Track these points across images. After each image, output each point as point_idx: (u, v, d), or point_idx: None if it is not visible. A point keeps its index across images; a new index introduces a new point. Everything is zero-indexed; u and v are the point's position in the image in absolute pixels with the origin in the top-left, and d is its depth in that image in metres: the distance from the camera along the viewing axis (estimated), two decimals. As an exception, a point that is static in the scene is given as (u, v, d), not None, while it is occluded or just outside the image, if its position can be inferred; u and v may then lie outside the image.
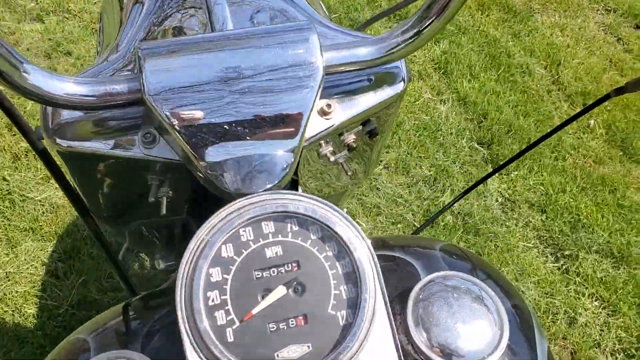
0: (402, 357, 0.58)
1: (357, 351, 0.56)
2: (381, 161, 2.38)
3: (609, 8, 3.53)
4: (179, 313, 0.56)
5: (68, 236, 1.98)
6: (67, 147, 0.69)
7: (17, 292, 1.84)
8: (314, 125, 0.73)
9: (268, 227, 0.59)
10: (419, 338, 0.61)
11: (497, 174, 2.42)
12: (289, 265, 0.58)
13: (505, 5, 3.36)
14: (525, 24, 3.26)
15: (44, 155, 0.74)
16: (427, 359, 0.60)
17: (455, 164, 2.43)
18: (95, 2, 2.88)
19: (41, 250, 1.94)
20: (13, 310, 1.80)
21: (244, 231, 0.59)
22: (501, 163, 2.38)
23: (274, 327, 0.56)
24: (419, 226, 1.27)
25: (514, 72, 2.91)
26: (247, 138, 0.65)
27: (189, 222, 1.12)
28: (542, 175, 2.44)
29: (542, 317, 2.00)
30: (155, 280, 1.81)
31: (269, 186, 0.65)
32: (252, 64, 0.65)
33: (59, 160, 0.72)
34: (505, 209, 2.32)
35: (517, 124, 2.63)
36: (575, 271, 2.14)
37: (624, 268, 2.17)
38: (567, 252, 2.20)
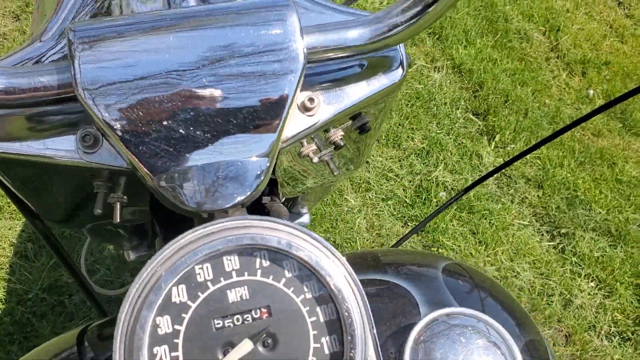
0: None
1: None
2: (371, 133, 2.25)
3: (611, -30, 3.37)
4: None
5: (38, 214, 1.86)
6: None
7: (-17, 274, 1.73)
8: (294, 123, 0.60)
9: (231, 263, 0.48)
10: None
11: (492, 146, 2.31)
12: (257, 311, 0.47)
13: (503, -34, 3.20)
14: (524, -13, 3.10)
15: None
16: None
17: (449, 135, 2.31)
18: None
19: (9, 229, 1.82)
20: (-21, 294, 1.69)
21: (201, 269, 0.47)
22: (497, 136, 2.27)
23: None
24: (401, 237, 1.16)
25: (511, 38, 2.77)
26: (210, 142, 0.52)
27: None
28: (540, 150, 2.33)
29: (536, 298, 1.92)
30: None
31: (239, 199, 0.52)
32: (215, 50, 0.52)
33: None
34: (500, 184, 2.21)
35: (514, 93, 2.50)
36: (571, 250, 2.05)
37: (622, 247, 2.08)
38: (563, 230, 2.11)
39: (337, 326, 0.47)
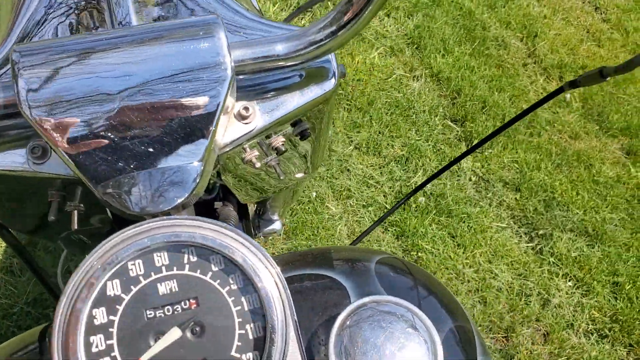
0: None
1: None
2: (352, 141, 2.30)
3: (587, -24, 3.43)
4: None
5: (24, 230, 1.90)
6: None
7: (-30, 290, 1.76)
8: (231, 131, 0.65)
9: (161, 259, 0.52)
10: None
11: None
12: (186, 302, 0.51)
13: (481, -24, 3.26)
14: (502, -5, 3.16)
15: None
16: None
17: (428, 142, 2.36)
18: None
19: (-4, 245, 1.86)
20: (-34, 310, 1.73)
21: (133, 264, 0.51)
22: (474, 144, 2.32)
23: None
24: (358, 235, 1.20)
25: (489, 46, 2.83)
26: (148, 151, 0.57)
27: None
28: (516, 153, 2.38)
29: (515, 299, 1.95)
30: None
31: (179, 201, 0.57)
32: (149, 66, 0.57)
33: None
34: (479, 189, 2.25)
35: (492, 99, 2.55)
36: (549, 251, 2.09)
37: (599, 246, 2.12)
38: (541, 232, 2.15)
39: (261, 314, 0.51)
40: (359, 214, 2.11)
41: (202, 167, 0.58)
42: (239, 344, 0.50)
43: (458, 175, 2.27)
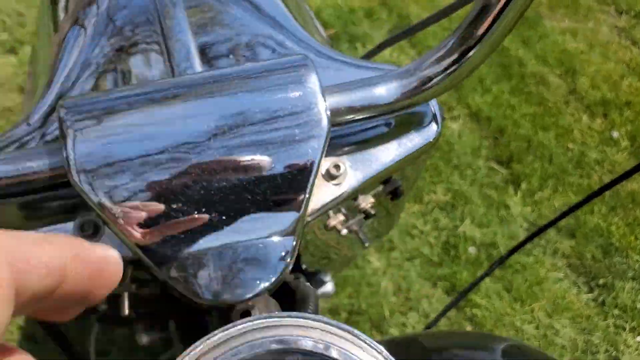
0: None
1: None
2: (391, 188, 2.19)
3: (621, 10, 3.35)
4: None
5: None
6: None
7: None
8: (320, 194, 0.53)
9: None
10: None
11: (518, 195, 2.24)
12: None
13: (512, 11, 3.18)
14: (535, 30, 3.08)
15: None
16: None
17: (472, 186, 2.24)
18: None
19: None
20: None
21: None
22: (521, 186, 2.20)
23: None
24: (438, 314, 1.07)
25: (528, 83, 2.73)
26: (226, 223, 0.46)
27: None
28: (568, 196, 2.26)
29: (581, 357, 1.81)
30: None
31: (262, 286, 0.46)
32: (227, 119, 0.46)
33: None
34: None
35: (536, 139, 2.44)
36: (612, 302, 1.95)
37: (667, 297, 1.98)
38: (601, 281, 2.01)
39: None
40: (404, 267, 1.99)
41: (293, 243, 0.47)
42: None
43: (508, 222, 2.15)
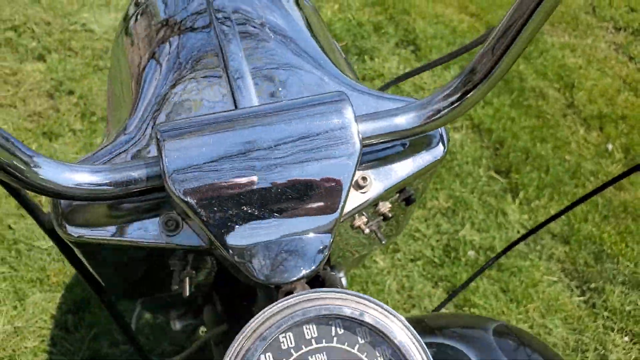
0: None
1: None
2: (396, 194, 2.33)
3: (619, 27, 3.50)
4: None
5: (77, 286, 1.93)
6: (78, 236, 0.64)
7: (26, 347, 1.79)
8: (350, 200, 0.68)
9: (310, 331, 0.54)
10: None
11: (516, 203, 2.37)
12: None
13: (514, 27, 3.33)
14: (536, 46, 3.23)
15: (54, 235, 0.70)
16: None
17: (473, 194, 2.38)
18: (97, 38, 2.85)
19: (49, 302, 1.89)
20: (23, 368, 1.75)
21: (284, 338, 0.54)
22: (519, 195, 2.33)
23: None
24: (442, 302, 1.21)
25: (527, 96, 2.87)
26: (279, 221, 0.60)
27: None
28: (563, 204, 2.39)
29: (571, 355, 1.94)
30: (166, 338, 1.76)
31: (304, 273, 0.60)
32: (283, 142, 0.60)
33: None
34: (527, 241, 2.26)
35: (535, 150, 2.58)
36: (602, 305, 2.09)
37: (654, 300, 2.11)
38: (592, 285, 2.14)
39: None
40: (407, 268, 2.13)
41: (330, 240, 0.61)
42: None
43: (506, 228, 2.28)
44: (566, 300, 2.10)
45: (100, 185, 0.58)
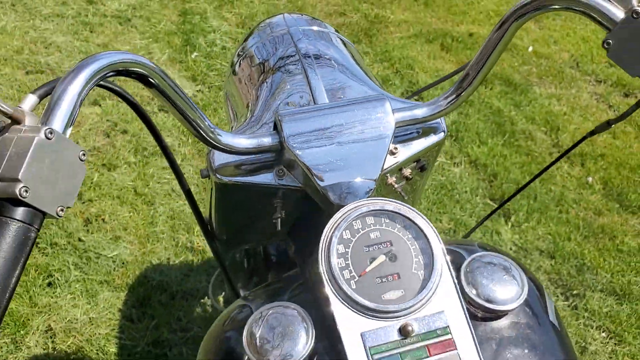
0: (462, 300, 0.92)
1: (432, 295, 0.91)
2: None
3: (600, 79, 3.98)
4: (322, 272, 0.91)
5: (139, 286, 2.33)
6: (224, 180, 1.06)
7: (99, 334, 2.17)
8: (386, 162, 1.09)
9: (370, 220, 0.95)
10: (470, 292, 0.95)
11: (509, 225, 2.78)
12: (385, 244, 0.93)
13: (506, 80, 3.82)
14: (525, 96, 3.70)
15: (189, 194, 1.12)
16: (476, 304, 0.94)
17: (471, 217, 2.79)
18: (142, 88, 3.33)
19: (117, 299, 2.28)
20: (97, 350, 2.13)
21: (356, 223, 0.95)
22: (510, 211, 2.75)
23: (379, 281, 0.91)
24: (470, 229, 1.62)
25: (518, 138, 3.32)
26: (346, 169, 1.02)
27: (280, 253, 1.48)
28: (549, 226, 2.80)
29: (556, 347, 2.31)
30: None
31: (359, 199, 1.01)
32: (351, 123, 1.03)
33: (199, 197, 1.09)
34: (518, 256, 2.66)
35: (524, 182, 3.01)
36: (583, 307, 2.47)
37: (627, 304, 2.49)
38: (575, 292, 2.53)
39: (428, 251, 0.93)
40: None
41: (374, 184, 1.02)
42: (416, 265, 0.93)
43: (500, 245, 2.69)
44: (552, 304, 2.48)
45: (244, 144, 1.01)
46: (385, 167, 1.07)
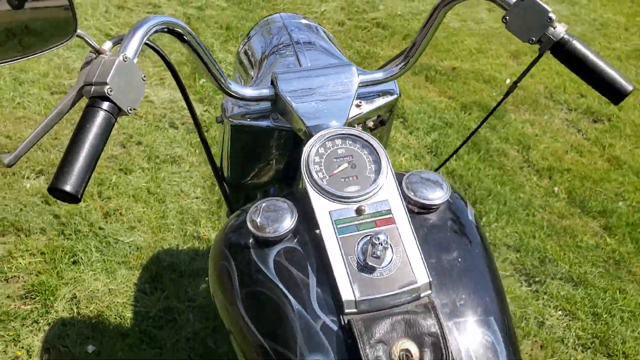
0: (401, 196, 1.31)
1: (379, 190, 1.30)
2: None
3: (571, 108, 4.44)
4: (304, 173, 1.31)
5: (151, 266, 2.71)
6: (234, 122, 1.47)
7: (117, 302, 2.55)
8: (353, 112, 1.50)
9: (338, 141, 1.35)
10: (409, 193, 1.35)
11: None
12: (348, 156, 1.32)
13: (484, 107, 4.27)
14: (501, 120, 4.15)
15: (205, 143, 1.54)
16: (413, 201, 1.33)
17: (446, 218, 3.18)
18: (156, 107, 3.78)
19: (132, 276, 2.67)
20: (116, 315, 2.50)
21: (328, 142, 1.34)
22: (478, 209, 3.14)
23: (343, 180, 1.30)
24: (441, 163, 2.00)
25: (492, 154, 3.75)
26: (323, 113, 1.42)
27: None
28: (516, 226, 3.20)
29: (517, 321, 2.67)
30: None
31: (330, 130, 1.41)
32: (327, 81, 1.44)
33: (214, 146, 1.50)
34: (487, 250, 3.04)
35: (496, 190, 3.42)
36: (543, 291, 2.84)
37: (582, 289, 2.86)
38: (537, 279, 2.90)
39: (378, 160, 1.32)
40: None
41: (343, 123, 1.43)
42: (369, 171, 1.32)
43: (471, 240, 3.07)
44: (516, 289, 2.85)
45: (250, 94, 1.42)
46: (352, 115, 1.47)
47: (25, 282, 2.61)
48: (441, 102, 4.31)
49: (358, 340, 1.04)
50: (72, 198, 0.94)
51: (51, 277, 2.61)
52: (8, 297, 2.54)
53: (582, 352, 2.59)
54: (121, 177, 3.19)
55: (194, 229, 2.94)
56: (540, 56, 1.39)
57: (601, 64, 1.30)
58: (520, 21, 1.33)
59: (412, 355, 1.04)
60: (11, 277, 2.63)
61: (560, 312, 2.76)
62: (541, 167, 3.71)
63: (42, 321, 2.46)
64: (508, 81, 4.65)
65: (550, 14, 1.29)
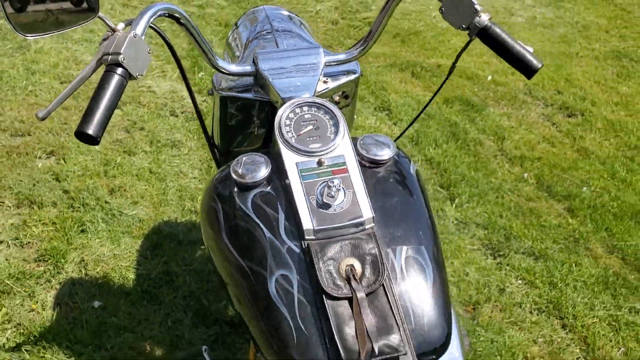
0: (355, 153, 1.64)
1: (336, 147, 1.63)
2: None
3: (548, 104, 4.77)
4: (276, 133, 1.64)
5: (153, 235, 3.05)
6: (223, 94, 1.81)
7: (121, 265, 2.88)
8: (320, 87, 1.83)
9: (305, 108, 1.68)
10: (362, 151, 1.67)
11: (453, 206, 3.51)
12: (313, 121, 1.65)
13: (465, 101, 4.61)
14: (480, 113, 4.49)
15: (198, 112, 1.88)
16: (365, 157, 1.66)
17: (422, 199, 3.51)
18: (158, 97, 4.12)
19: (135, 243, 3.01)
20: (120, 276, 2.83)
21: (297, 109, 1.67)
22: (455, 200, 3.47)
23: (309, 139, 1.63)
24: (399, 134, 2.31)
25: (468, 143, 4.09)
26: (295, 87, 1.75)
27: None
28: (486, 207, 3.53)
29: (480, 288, 3.00)
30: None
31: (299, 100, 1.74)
32: (299, 60, 1.77)
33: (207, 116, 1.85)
34: (459, 227, 3.38)
35: (470, 175, 3.75)
36: (506, 263, 3.17)
37: (542, 262, 3.19)
38: (501, 253, 3.24)
39: (337, 122, 1.65)
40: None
41: (312, 95, 1.77)
42: (330, 130, 1.64)
43: (443, 219, 3.41)
44: (482, 261, 3.18)
45: (237, 71, 1.76)
46: (319, 90, 1.80)
47: (38, 247, 2.95)
48: (425, 96, 4.64)
49: (314, 258, 1.36)
50: (92, 140, 1.27)
51: (62, 243, 2.94)
52: (24, 260, 2.88)
53: (537, 315, 2.92)
54: (125, 158, 3.54)
55: (192, 204, 3.28)
56: (470, 41, 1.72)
57: (516, 46, 1.63)
58: (454, 12, 1.66)
59: (355, 269, 1.37)
60: (26, 243, 2.97)
61: (520, 281, 3.09)
62: (514, 155, 4.04)
63: (54, 280, 2.79)
64: (490, 78, 4.99)
65: (476, 6, 1.62)
